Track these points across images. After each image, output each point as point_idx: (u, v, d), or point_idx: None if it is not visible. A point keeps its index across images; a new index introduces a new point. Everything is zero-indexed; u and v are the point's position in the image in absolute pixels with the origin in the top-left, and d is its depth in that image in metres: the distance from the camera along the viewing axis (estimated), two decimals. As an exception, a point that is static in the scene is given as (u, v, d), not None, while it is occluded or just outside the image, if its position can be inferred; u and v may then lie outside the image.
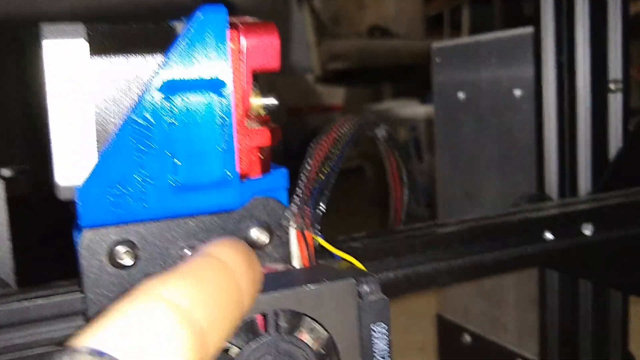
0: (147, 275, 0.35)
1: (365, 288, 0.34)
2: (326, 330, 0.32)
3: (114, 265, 0.35)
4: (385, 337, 0.34)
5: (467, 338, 0.79)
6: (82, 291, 0.35)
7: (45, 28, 0.29)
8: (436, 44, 0.78)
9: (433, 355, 0.92)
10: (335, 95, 3.15)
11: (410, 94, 2.73)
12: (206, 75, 0.31)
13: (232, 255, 0.28)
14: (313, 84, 3.15)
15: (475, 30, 3.14)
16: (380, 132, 0.50)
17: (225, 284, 0.26)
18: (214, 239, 0.29)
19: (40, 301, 0.36)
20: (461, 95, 0.74)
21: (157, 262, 0.36)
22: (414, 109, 2.42)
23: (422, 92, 2.53)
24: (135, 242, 0.35)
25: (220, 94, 0.31)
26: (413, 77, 2.96)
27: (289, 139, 2.63)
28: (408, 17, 3.30)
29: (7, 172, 0.43)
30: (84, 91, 0.30)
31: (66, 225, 0.39)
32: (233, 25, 0.32)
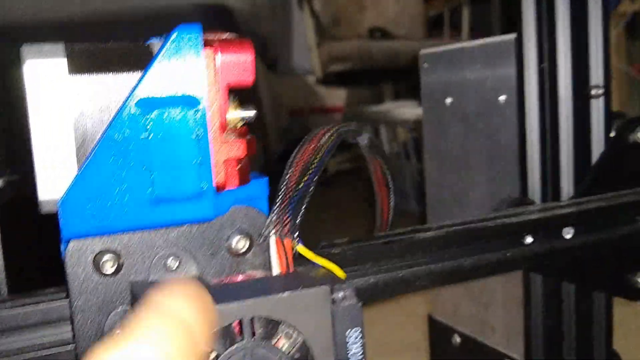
0: (131, 281, 0.37)
1: (339, 294, 0.35)
2: (301, 335, 0.34)
3: (98, 273, 0.36)
4: (360, 341, 0.35)
5: (457, 339, 0.80)
6: (68, 298, 0.37)
7: (26, 49, 0.31)
8: (424, 50, 0.79)
9: (426, 354, 0.93)
10: (336, 96, 3.16)
11: (411, 95, 2.74)
12: (182, 91, 0.32)
13: (187, 306, 0.25)
14: (314, 86, 3.17)
15: (475, 30, 3.14)
16: (363, 139, 0.51)
17: (182, 343, 0.24)
18: (162, 286, 0.26)
19: (27, 308, 0.38)
20: (448, 100, 0.75)
21: (140, 270, 0.37)
22: (414, 110, 2.42)
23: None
24: (119, 251, 0.36)
25: (196, 110, 0.33)
26: (413, 78, 2.97)
27: (289, 140, 2.65)
28: (408, 19, 3.31)
29: (-2, 183, 0.44)
30: (63, 108, 0.31)
31: (54, 234, 0.41)
32: (208, 43, 0.34)
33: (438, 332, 0.83)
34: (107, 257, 0.36)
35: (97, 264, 0.36)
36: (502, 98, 0.67)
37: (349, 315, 0.35)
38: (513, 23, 0.66)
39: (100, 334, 0.37)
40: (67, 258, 0.35)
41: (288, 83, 3.11)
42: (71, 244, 0.35)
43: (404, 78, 3.07)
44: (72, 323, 0.37)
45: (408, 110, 2.44)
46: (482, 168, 0.72)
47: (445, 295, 0.83)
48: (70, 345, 0.38)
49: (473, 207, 0.74)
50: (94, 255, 0.36)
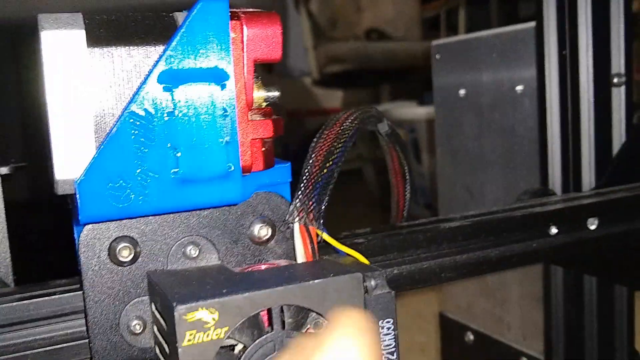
0: (149, 271, 0.34)
1: (372, 282, 0.33)
2: (332, 325, 0.32)
3: (114, 262, 0.34)
4: (392, 331, 0.33)
5: (470, 336, 0.78)
6: (81, 289, 0.34)
7: (43, 18, 0.29)
8: (436, 41, 0.78)
9: (435, 355, 0.91)
10: (333, 98, 3.14)
11: (408, 96, 2.72)
12: (207, 65, 0.30)
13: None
14: (311, 87, 3.15)
15: (471, 31, 3.12)
16: (383, 127, 0.49)
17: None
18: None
19: (39, 300, 0.35)
20: (462, 92, 0.73)
21: (157, 259, 0.35)
22: (412, 111, 2.41)
23: (420, 94, 2.53)
24: (136, 238, 0.34)
25: (222, 85, 0.31)
26: (410, 79, 2.96)
27: (287, 142, 2.63)
28: (405, 20, 3.30)
29: (3, 170, 0.42)
30: (82, 82, 0.29)
31: (64, 224, 0.39)
32: (234, 15, 0.32)
33: (450, 330, 0.81)
34: (123, 244, 0.34)
35: (113, 252, 0.34)
36: (519, 88, 0.65)
37: (382, 305, 0.33)
38: (511, 23, 0.65)
39: (115, 327, 0.35)
40: (82, 245, 0.33)
41: (284, 84, 3.09)
42: (86, 230, 0.33)
43: (401, 79, 3.06)
44: (85, 316, 0.35)
45: (406, 111, 2.42)
46: (498, 161, 0.70)
47: (457, 292, 0.81)
48: (84, 340, 0.36)
49: (488, 202, 0.72)
50: (110, 242, 0.34)
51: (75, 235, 0.35)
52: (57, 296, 0.36)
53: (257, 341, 0.30)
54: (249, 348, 0.30)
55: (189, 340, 0.28)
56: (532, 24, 0.63)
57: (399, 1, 3.30)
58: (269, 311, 0.31)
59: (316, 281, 0.31)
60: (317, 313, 0.31)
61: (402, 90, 2.99)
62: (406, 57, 3.09)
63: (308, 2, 3.13)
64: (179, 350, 0.28)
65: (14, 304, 0.35)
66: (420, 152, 2.23)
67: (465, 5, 3.20)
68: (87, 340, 0.35)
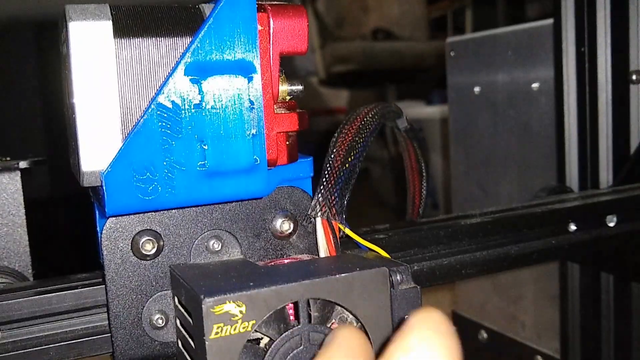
0: (172, 265, 0.34)
1: (397, 277, 0.33)
2: (358, 319, 0.32)
3: (137, 256, 0.34)
4: (418, 327, 0.33)
5: (484, 335, 0.78)
6: (103, 282, 0.34)
7: (71, 9, 0.29)
8: (450, 39, 0.77)
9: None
10: (340, 97, 3.13)
11: (414, 96, 2.72)
12: (234, 57, 0.30)
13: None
14: (317, 87, 3.14)
15: (478, 32, 3.11)
16: (402, 122, 0.49)
17: None
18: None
19: (61, 293, 0.35)
20: (477, 89, 0.73)
21: (181, 253, 0.35)
22: (419, 110, 2.40)
23: (426, 94, 2.52)
24: (159, 232, 0.34)
25: (249, 78, 0.31)
26: (417, 79, 2.96)
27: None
28: (411, 20, 3.30)
29: (23, 164, 0.42)
30: (109, 73, 0.29)
31: (83, 218, 0.39)
32: (261, 7, 0.32)
33: (463, 328, 0.81)
34: (146, 237, 0.34)
35: (135, 246, 0.34)
36: (535, 86, 0.65)
37: (407, 299, 0.33)
38: (519, 22, 0.64)
39: (137, 321, 0.35)
40: (105, 239, 0.33)
41: (290, 84, 3.07)
42: (109, 223, 0.33)
43: (408, 78, 3.05)
44: (107, 310, 0.34)
45: (414, 110, 2.42)
46: (512, 159, 0.70)
47: (470, 290, 0.81)
48: (105, 334, 0.36)
49: (503, 199, 0.72)
50: (133, 235, 0.34)
51: (98, 228, 0.35)
52: (78, 290, 0.36)
53: (284, 335, 0.30)
54: (276, 342, 0.30)
55: (217, 333, 0.28)
56: (549, 21, 0.62)
57: (406, 1, 3.30)
58: (295, 305, 0.31)
59: (343, 275, 0.31)
60: (342, 307, 0.31)
61: (409, 90, 2.99)
62: (413, 57, 3.08)
63: (314, 1, 3.13)
64: (206, 343, 0.28)
65: (36, 297, 0.35)
66: (428, 152, 2.23)
67: (472, 5, 3.19)
68: (108, 334, 0.35)
